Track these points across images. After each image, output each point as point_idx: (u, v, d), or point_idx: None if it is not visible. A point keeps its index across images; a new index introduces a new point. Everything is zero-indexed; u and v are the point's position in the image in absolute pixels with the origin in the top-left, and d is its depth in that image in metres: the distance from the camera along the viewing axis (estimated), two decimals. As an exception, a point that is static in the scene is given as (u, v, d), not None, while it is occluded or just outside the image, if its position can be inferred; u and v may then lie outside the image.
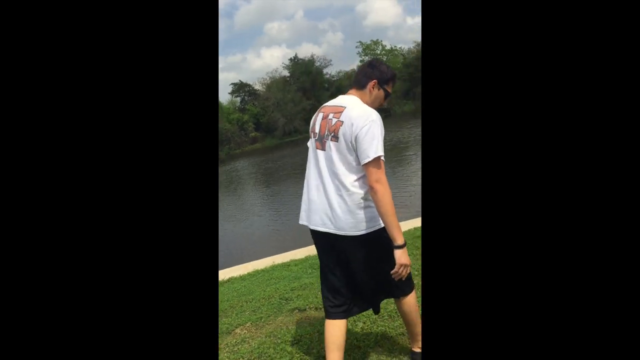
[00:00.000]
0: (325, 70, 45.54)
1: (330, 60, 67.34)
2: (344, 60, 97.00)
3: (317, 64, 44.62)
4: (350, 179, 1.56)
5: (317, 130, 1.66)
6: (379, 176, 1.48)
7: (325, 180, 1.61)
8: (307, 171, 1.72)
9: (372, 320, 2.27)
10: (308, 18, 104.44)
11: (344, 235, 1.58)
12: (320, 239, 1.69)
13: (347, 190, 1.55)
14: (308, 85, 41.76)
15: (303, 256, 4.21)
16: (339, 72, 46.00)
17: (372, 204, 1.54)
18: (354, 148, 1.53)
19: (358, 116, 1.53)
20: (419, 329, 1.73)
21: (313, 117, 1.73)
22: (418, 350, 1.80)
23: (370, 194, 1.51)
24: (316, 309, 2.63)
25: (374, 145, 1.49)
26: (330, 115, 1.62)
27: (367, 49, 46.84)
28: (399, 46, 50.98)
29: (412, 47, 42.73)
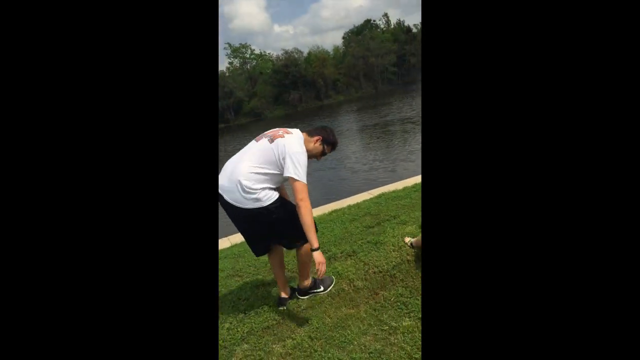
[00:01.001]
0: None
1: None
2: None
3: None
4: (252, 172, 2.07)
5: (263, 133, 2.23)
6: (303, 196, 2.01)
7: (240, 163, 2.11)
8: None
9: (238, 319, 2.43)
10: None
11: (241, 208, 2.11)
12: (228, 208, 2.17)
13: (246, 179, 2.06)
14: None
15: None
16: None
17: (256, 193, 2.08)
18: (280, 159, 2.06)
19: (297, 143, 2.11)
20: (308, 269, 2.43)
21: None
22: (306, 283, 2.48)
23: (297, 208, 2.03)
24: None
25: (300, 170, 2.03)
26: (280, 130, 2.19)
27: (235, 51, 46.40)
28: (267, 52, 52.03)
29: (280, 54, 43.98)
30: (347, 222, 3.85)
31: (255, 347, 2.12)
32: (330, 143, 2.28)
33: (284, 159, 2.05)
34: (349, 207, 4.49)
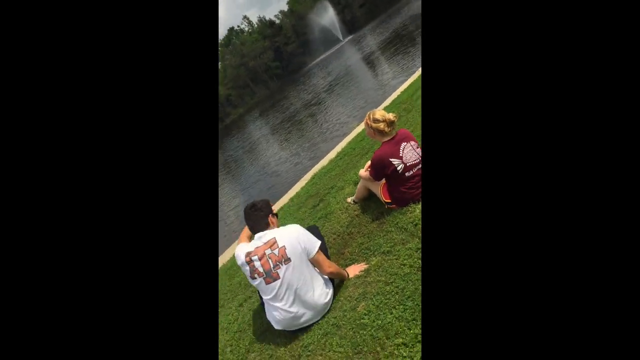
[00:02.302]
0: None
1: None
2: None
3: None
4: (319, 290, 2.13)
5: (261, 271, 2.05)
6: (330, 262, 2.19)
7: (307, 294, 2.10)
8: (267, 305, 2.16)
9: (236, 338, 2.52)
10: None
11: None
12: None
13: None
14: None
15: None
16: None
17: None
18: (307, 253, 2.07)
19: (296, 232, 2.10)
20: None
21: (245, 267, 2.09)
22: None
23: (330, 275, 2.18)
24: None
25: (313, 239, 2.11)
26: (268, 251, 2.04)
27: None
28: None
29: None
30: (295, 211, 4.07)
31: (261, 350, 2.26)
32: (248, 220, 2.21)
33: (304, 247, 2.07)
34: (291, 199, 4.70)
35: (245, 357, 2.30)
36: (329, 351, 1.88)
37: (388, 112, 2.42)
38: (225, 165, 14.40)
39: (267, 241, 2.06)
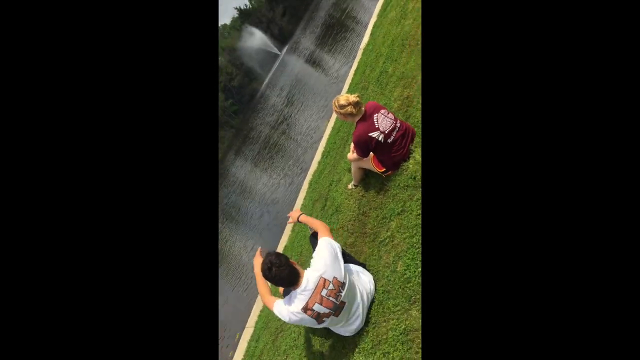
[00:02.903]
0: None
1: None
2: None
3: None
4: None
5: (328, 311, 2.01)
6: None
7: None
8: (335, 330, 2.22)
9: None
10: None
11: None
12: None
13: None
14: None
15: None
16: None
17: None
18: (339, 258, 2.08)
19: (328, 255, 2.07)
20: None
21: (307, 319, 2.02)
22: None
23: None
24: None
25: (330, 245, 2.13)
26: (324, 292, 1.99)
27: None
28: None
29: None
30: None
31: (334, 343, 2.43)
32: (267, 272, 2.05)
33: (339, 257, 2.09)
34: (300, 208, 4.89)
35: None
36: (389, 315, 2.05)
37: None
38: (226, 214, 14.53)
39: (317, 285, 1.98)
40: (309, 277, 1.98)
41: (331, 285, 1.98)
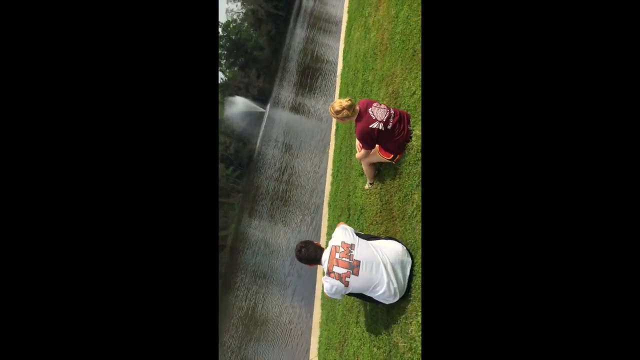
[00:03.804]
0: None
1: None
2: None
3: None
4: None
5: (344, 271, 2.38)
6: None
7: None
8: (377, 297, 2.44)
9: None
10: None
11: None
12: None
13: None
14: None
15: None
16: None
17: None
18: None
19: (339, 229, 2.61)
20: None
21: (335, 285, 2.39)
22: None
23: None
24: None
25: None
26: (337, 255, 2.44)
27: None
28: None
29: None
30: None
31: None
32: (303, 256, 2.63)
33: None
34: (327, 234, 5.05)
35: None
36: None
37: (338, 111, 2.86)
38: (258, 277, 14.40)
39: (330, 252, 2.46)
40: (326, 250, 2.52)
41: (341, 249, 2.43)
